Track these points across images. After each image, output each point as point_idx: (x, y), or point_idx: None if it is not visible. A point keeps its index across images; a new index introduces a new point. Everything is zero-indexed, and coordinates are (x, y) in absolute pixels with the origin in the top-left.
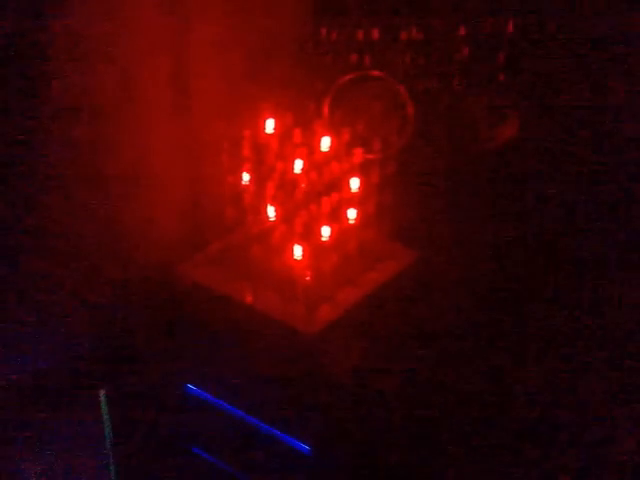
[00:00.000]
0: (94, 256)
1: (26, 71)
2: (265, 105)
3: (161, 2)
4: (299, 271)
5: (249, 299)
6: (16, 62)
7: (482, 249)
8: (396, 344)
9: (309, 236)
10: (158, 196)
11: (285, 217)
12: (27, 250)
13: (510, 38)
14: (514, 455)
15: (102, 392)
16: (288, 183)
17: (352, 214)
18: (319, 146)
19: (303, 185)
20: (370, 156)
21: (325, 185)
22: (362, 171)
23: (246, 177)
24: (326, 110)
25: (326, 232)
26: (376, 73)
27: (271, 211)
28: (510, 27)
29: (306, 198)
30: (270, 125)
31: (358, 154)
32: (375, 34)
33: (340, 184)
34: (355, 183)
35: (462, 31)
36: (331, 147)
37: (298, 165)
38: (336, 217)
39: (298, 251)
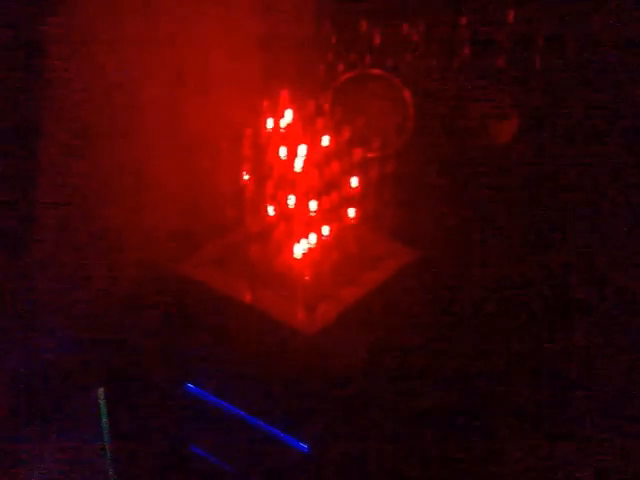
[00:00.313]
0: (94, 255)
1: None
2: (265, 103)
3: None
4: (299, 270)
5: (249, 298)
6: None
7: (482, 247)
8: (396, 343)
9: (309, 235)
10: (157, 195)
11: (285, 216)
12: (26, 249)
13: (511, 37)
14: (515, 455)
15: (101, 391)
16: (288, 182)
17: (352, 213)
18: (319, 144)
19: (303, 184)
20: (370, 154)
21: (325, 183)
22: (362, 169)
23: (246, 176)
24: (327, 108)
25: (326, 231)
26: (376, 72)
27: (271, 210)
28: (511, 22)
29: (306, 197)
30: (270, 123)
31: (358, 152)
32: (376, 33)
33: (340, 182)
34: (355, 181)
35: (463, 29)
36: (331, 145)
37: (298, 163)
38: (336, 216)
39: (298, 250)
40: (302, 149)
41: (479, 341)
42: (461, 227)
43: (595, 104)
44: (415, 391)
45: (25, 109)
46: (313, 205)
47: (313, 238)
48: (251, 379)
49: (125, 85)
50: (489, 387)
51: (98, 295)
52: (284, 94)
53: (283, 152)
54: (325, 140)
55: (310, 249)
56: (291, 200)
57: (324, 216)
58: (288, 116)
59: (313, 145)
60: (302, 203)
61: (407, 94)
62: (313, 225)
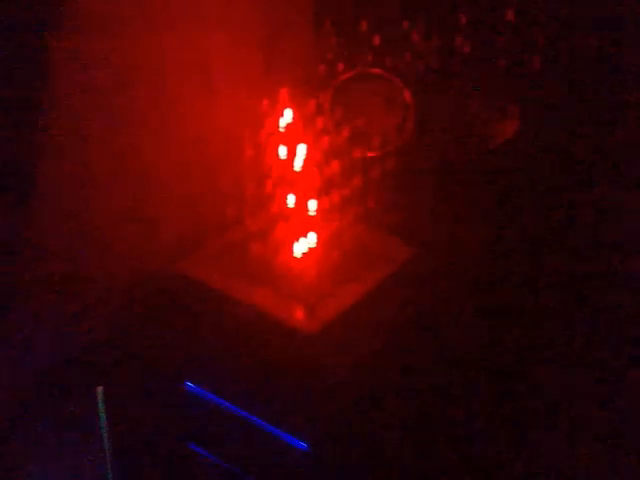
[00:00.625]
0: (92, 254)
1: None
2: (265, 103)
3: None
4: (298, 269)
5: (248, 297)
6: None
7: (482, 246)
8: (396, 341)
9: (308, 234)
10: (156, 194)
11: (284, 215)
12: (26, 248)
13: (512, 35)
14: (517, 454)
15: (100, 390)
16: (287, 181)
17: (352, 211)
18: (319, 143)
19: (302, 183)
20: (370, 153)
21: (325, 183)
22: (362, 168)
23: (246, 174)
24: (326, 108)
25: (325, 229)
26: (377, 70)
27: (270, 209)
28: (511, 19)
29: (305, 196)
30: (270, 122)
31: (358, 152)
32: (376, 32)
33: (340, 182)
34: (355, 180)
35: (463, 28)
36: (331, 145)
37: (298, 163)
38: (336, 215)
39: (298, 249)
40: (302, 148)
41: (479, 339)
42: (461, 226)
43: (596, 103)
44: (416, 390)
45: (23, 102)
46: (313, 204)
47: (313, 237)
48: (251, 378)
49: (125, 84)
50: (491, 384)
51: (97, 294)
52: (284, 93)
53: (283, 151)
54: (325, 139)
55: (310, 248)
56: (291, 199)
57: (324, 215)
58: (288, 115)
59: (313, 144)
60: (302, 202)
61: (407, 93)
62: (313, 224)
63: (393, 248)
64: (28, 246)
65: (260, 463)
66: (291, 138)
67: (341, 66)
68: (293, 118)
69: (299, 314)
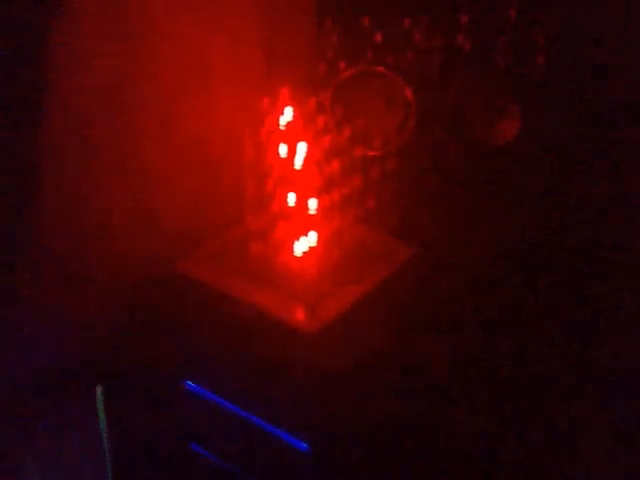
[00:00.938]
0: (92, 253)
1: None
2: (265, 101)
3: None
4: (299, 268)
5: (248, 296)
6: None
7: (483, 245)
8: (397, 341)
9: (309, 233)
10: (156, 193)
11: (285, 214)
12: (26, 248)
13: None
14: (520, 452)
15: (99, 390)
16: (288, 179)
17: (352, 211)
18: (319, 142)
19: (303, 182)
20: (371, 152)
21: (325, 182)
22: (363, 167)
23: (246, 173)
24: (327, 106)
25: (326, 229)
26: (378, 69)
27: (270, 208)
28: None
29: (306, 195)
30: (270, 121)
31: (359, 151)
32: (377, 30)
33: (340, 181)
34: (356, 179)
35: (465, 27)
36: (332, 143)
37: (298, 161)
38: (336, 214)
39: (298, 248)
40: (302, 147)
41: (480, 339)
42: (462, 226)
43: (598, 102)
44: (416, 390)
45: (24, 97)
46: (313, 203)
47: (313, 236)
48: (251, 377)
49: (126, 83)
50: (492, 383)
51: (97, 294)
52: (284, 91)
53: (283, 150)
54: (325, 138)
55: (310, 247)
56: (291, 198)
57: (324, 214)
58: (288, 114)
59: (313, 143)
60: (302, 201)
61: (409, 92)
62: (313, 223)
63: (393, 248)
64: (28, 246)
65: (260, 463)
66: (291, 137)
67: (342, 64)
68: (293, 116)
69: (299, 313)
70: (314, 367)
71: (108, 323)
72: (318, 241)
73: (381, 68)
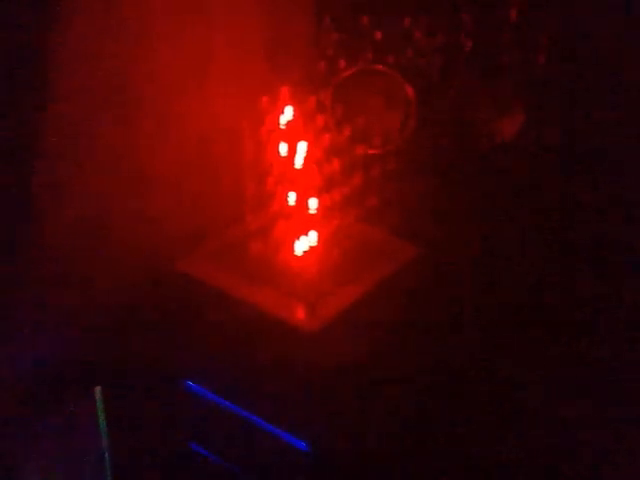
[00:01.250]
0: (92, 253)
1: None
2: (266, 100)
3: None
4: (299, 267)
5: (248, 295)
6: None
7: (484, 244)
8: (397, 340)
9: (309, 232)
10: (157, 192)
11: (285, 213)
12: (26, 249)
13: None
14: (521, 450)
15: (98, 390)
16: (288, 178)
17: (352, 210)
18: (320, 141)
19: (303, 181)
20: (371, 151)
21: (326, 180)
22: (363, 166)
23: (247, 172)
24: (328, 105)
25: (327, 228)
26: (378, 68)
27: (271, 207)
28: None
29: (306, 194)
30: (270, 120)
31: (359, 149)
32: (377, 29)
33: (341, 179)
34: (356, 178)
35: (467, 24)
36: (332, 142)
37: (298, 160)
38: (337, 213)
39: (298, 247)
40: (302, 146)
41: (480, 338)
42: (463, 224)
43: (599, 100)
44: (416, 389)
45: (25, 97)
46: (313, 202)
47: (313, 235)
48: (251, 376)
49: (126, 83)
50: (493, 381)
51: (97, 293)
52: (284, 90)
53: (283, 149)
54: (326, 137)
55: (310, 246)
56: (291, 197)
57: (325, 213)
58: (288, 113)
59: (314, 142)
60: (302, 200)
61: (409, 91)
62: (313, 222)
63: (394, 247)
64: (28, 246)
65: (260, 462)
66: (292, 136)
67: (342, 63)
68: (294, 115)
69: (300, 313)
70: (314, 366)
71: (108, 323)
72: (318, 240)
73: (381, 67)
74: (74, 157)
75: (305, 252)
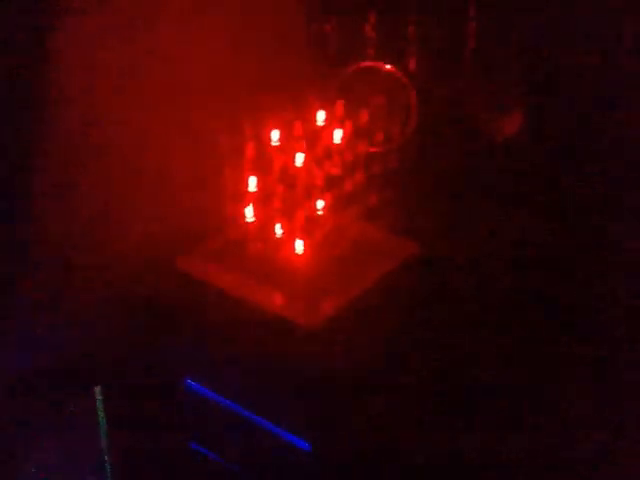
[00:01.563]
0: (92, 252)
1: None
2: (267, 98)
3: None
4: (300, 265)
5: (249, 294)
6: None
7: (484, 243)
8: (398, 338)
9: (310, 230)
10: (157, 191)
11: (286, 211)
12: (26, 249)
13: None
14: (525, 449)
15: (98, 389)
16: (289, 176)
17: (354, 208)
18: (321, 139)
19: (304, 178)
20: (373, 149)
21: (327, 178)
22: (364, 164)
23: (247, 170)
24: (329, 103)
25: (327, 225)
26: (379, 65)
27: (272, 205)
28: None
29: (307, 191)
30: (271, 118)
31: (361, 147)
32: (378, 26)
33: (342, 177)
34: (357, 177)
35: (466, 23)
36: (334, 140)
37: (299, 158)
38: (338, 211)
39: (299, 245)
40: (303, 144)
41: (481, 337)
42: (464, 223)
43: (600, 99)
44: (419, 386)
45: (25, 97)
46: (314, 201)
47: (314, 234)
48: (252, 375)
49: (127, 83)
50: (495, 380)
51: (97, 293)
52: (286, 88)
53: (285, 147)
54: (327, 134)
55: (311, 245)
56: (292, 195)
57: (325, 211)
58: (290, 110)
59: (315, 140)
60: (304, 198)
61: (411, 89)
62: (314, 220)
63: (394, 245)
64: (28, 246)
65: (261, 462)
66: (293, 134)
67: (343, 61)
68: (295, 113)
69: (300, 311)
70: (315, 365)
71: (108, 323)
72: (319, 238)
73: (383, 64)
74: (74, 157)
75: (305, 250)
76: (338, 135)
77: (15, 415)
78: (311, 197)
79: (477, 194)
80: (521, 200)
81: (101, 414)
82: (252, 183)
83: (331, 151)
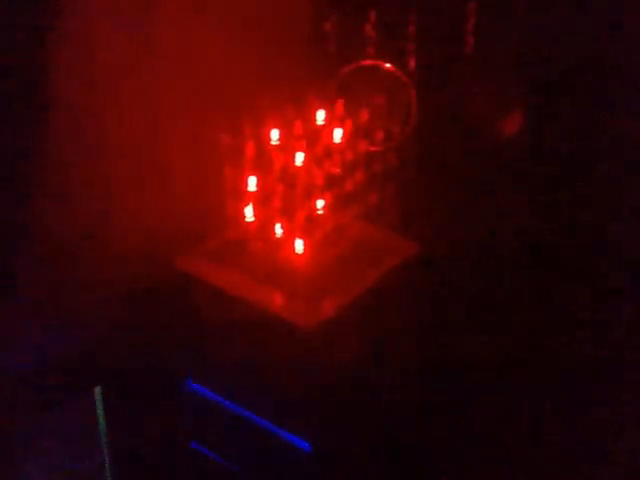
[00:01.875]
0: (92, 252)
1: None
2: (266, 97)
3: None
4: (300, 265)
5: (249, 294)
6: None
7: (484, 242)
8: (398, 338)
9: (311, 230)
10: (157, 190)
11: (286, 211)
12: (25, 246)
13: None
14: (524, 449)
15: (98, 389)
16: (289, 176)
17: (354, 207)
18: (321, 138)
19: (304, 178)
20: (373, 148)
21: (327, 178)
22: (364, 163)
23: (247, 170)
24: (329, 102)
25: (327, 225)
26: (379, 64)
27: (271, 205)
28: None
29: (307, 191)
30: (271, 118)
31: (361, 146)
32: (378, 24)
33: (342, 177)
34: (357, 176)
35: (466, 21)
36: (334, 139)
37: (299, 157)
38: (338, 210)
39: (299, 245)
40: (303, 143)
41: (483, 335)
42: (464, 222)
43: (599, 98)
44: (419, 386)
45: (25, 97)
46: (314, 200)
47: (314, 233)
48: (252, 375)
49: (127, 83)
50: (494, 379)
51: (97, 293)
52: (286, 87)
53: (285, 146)
54: (327, 133)
55: (311, 244)
56: (292, 195)
57: (325, 211)
58: (290, 109)
59: (315, 139)
60: (304, 198)
61: (411, 87)
62: (314, 220)
63: (394, 245)
64: (28, 247)
65: (261, 463)
66: (293, 133)
67: (343, 59)
68: (295, 112)
69: (300, 311)
70: (315, 364)
71: (108, 323)
72: (319, 238)
73: (383, 63)
74: (74, 157)
75: (305, 250)
76: (338, 134)
77: (15, 415)
78: (311, 197)
79: (477, 194)
80: (521, 200)
81: (101, 414)
82: (252, 183)
83: (331, 150)
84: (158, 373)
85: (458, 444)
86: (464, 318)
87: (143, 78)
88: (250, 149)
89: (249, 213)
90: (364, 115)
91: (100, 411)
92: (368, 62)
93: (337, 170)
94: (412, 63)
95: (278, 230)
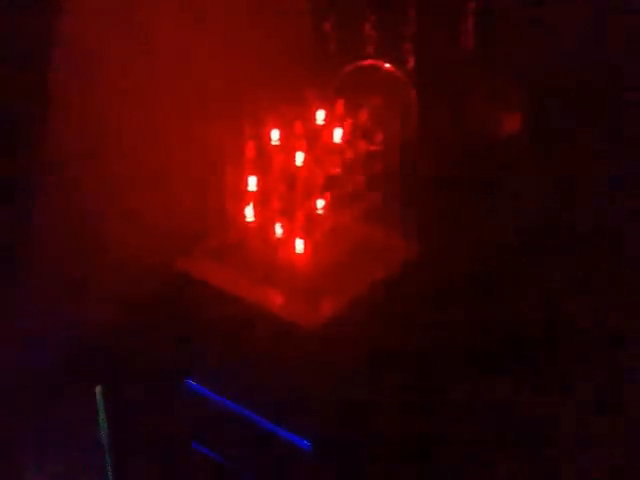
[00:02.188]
0: (92, 252)
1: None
2: (266, 97)
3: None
4: (301, 265)
5: (249, 294)
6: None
7: (484, 243)
8: (398, 338)
9: (311, 230)
10: (158, 190)
11: (286, 211)
12: (26, 249)
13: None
14: (523, 448)
15: (99, 389)
16: (289, 176)
17: (354, 207)
18: (321, 138)
19: (304, 178)
20: (373, 148)
21: (327, 178)
22: (365, 164)
23: (247, 170)
24: (329, 102)
25: (327, 225)
26: (379, 64)
27: (272, 205)
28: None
29: (308, 191)
30: (271, 118)
31: (361, 146)
32: (378, 24)
33: (342, 176)
34: (357, 176)
35: (466, 20)
36: (334, 139)
37: (300, 157)
38: (338, 210)
39: (299, 245)
40: (304, 143)
41: (483, 335)
42: (465, 222)
43: (599, 97)
44: (419, 386)
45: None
46: (314, 200)
47: (314, 233)
48: (252, 375)
49: (128, 83)
50: (494, 378)
51: (96, 293)
52: (285, 87)
53: (285, 147)
54: (327, 133)
55: (311, 244)
56: (292, 195)
57: (326, 211)
58: (289, 110)
59: (315, 139)
60: (304, 198)
61: (411, 87)
62: (314, 220)
63: (394, 244)
64: (28, 247)
65: (262, 462)
66: (293, 133)
67: (343, 59)
68: (295, 113)
69: (301, 311)
70: (315, 364)
71: (108, 322)
72: (319, 238)
73: (383, 63)
74: (74, 157)
75: (306, 250)
76: (338, 134)
77: (15, 415)
78: (311, 197)
79: (477, 194)
80: (521, 199)
81: (101, 414)
82: (252, 183)
83: (331, 150)
84: (158, 373)
85: (458, 444)
86: (464, 318)
87: (143, 78)
88: (250, 149)
89: (249, 213)
90: (364, 115)
91: (101, 411)
92: (368, 62)
93: (337, 170)
94: (412, 63)
95: (278, 230)
